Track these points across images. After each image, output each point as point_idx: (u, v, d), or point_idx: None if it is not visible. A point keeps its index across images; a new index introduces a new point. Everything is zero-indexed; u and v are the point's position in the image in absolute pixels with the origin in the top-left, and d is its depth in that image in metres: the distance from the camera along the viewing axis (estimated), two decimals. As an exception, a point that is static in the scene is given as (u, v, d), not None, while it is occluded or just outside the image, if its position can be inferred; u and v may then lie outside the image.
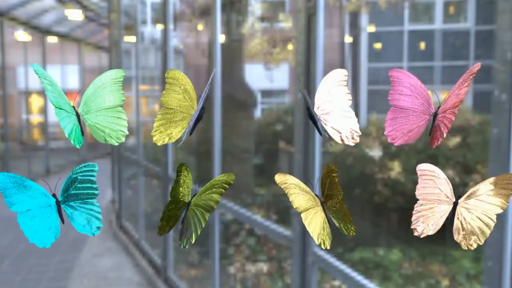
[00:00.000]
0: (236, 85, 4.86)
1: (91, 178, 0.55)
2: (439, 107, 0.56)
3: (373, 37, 8.20)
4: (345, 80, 0.58)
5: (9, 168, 8.11)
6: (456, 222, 0.56)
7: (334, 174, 0.59)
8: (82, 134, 0.55)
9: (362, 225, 3.83)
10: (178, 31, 5.96)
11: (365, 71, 7.98)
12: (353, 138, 0.57)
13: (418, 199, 0.56)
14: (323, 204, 0.61)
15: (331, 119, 0.58)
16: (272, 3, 6.38)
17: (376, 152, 3.77)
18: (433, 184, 0.56)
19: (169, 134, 0.57)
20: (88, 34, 11.13)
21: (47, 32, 9.67)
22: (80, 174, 0.55)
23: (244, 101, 4.94)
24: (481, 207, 0.55)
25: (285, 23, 5.66)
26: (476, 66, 0.53)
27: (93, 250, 5.06)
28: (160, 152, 4.00)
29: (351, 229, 0.60)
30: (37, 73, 0.52)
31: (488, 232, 0.55)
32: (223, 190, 0.63)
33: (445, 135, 0.55)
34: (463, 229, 0.55)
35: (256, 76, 5.75)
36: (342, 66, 6.06)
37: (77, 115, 0.55)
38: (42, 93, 10.26)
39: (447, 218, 0.56)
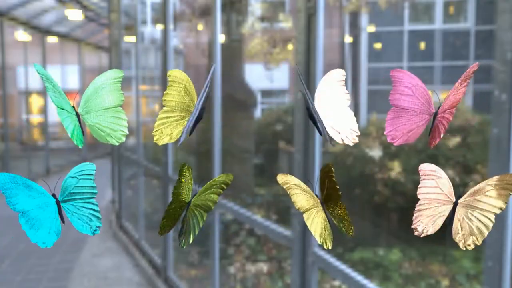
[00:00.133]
0: (236, 85, 4.86)
1: (90, 178, 0.55)
2: (439, 107, 0.56)
3: (373, 37, 8.20)
4: (343, 80, 0.58)
5: (9, 168, 8.11)
6: (456, 222, 0.56)
7: (331, 174, 0.59)
8: (83, 134, 0.55)
9: (362, 225, 3.83)
10: (178, 31, 5.96)
11: (365, 71, 7.98)
12: (352, 138, 0.57)
13: (418, 199, 0.56)
14: (323, 204, 0.61)
15: (330, 119, 0.58)
16: (272, 3, 6.38)
17: (376, 152, 3.77)
18: (434, 184, 0.56)
19: (170, 134, 0.57)
20: (88, 34, 11.13)
21: (47, 32, 9.67)
22: (79, 174, 0.55)
23: (244, 101, 4.94)
24: (481, 207, 0.55)
25: (285, 23, 5.66)
26: (474, 66, 0.53)
27: (93, 250, 5.06)
28: (160, 152, 4.00)
29: (350, 229, 0.60)
30: (39, 73, 0.52)
31: (486, 232, 0.55)
32: (221, 191, 0.63)
33: (442, 135, 0.55)
34: (462, 229, 0.55)
35: (256, 76, 5.75)
36: (342, 66, 6.07)
37: (77, 115, 0.55)
38: (42, 93, 10.27)
39: (447, 218, 0.56)
